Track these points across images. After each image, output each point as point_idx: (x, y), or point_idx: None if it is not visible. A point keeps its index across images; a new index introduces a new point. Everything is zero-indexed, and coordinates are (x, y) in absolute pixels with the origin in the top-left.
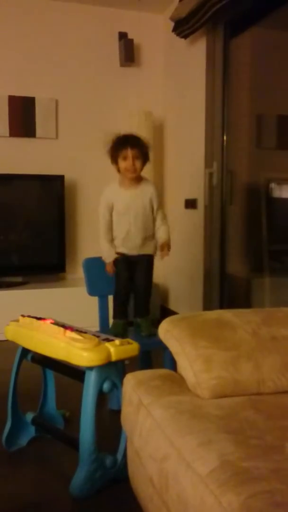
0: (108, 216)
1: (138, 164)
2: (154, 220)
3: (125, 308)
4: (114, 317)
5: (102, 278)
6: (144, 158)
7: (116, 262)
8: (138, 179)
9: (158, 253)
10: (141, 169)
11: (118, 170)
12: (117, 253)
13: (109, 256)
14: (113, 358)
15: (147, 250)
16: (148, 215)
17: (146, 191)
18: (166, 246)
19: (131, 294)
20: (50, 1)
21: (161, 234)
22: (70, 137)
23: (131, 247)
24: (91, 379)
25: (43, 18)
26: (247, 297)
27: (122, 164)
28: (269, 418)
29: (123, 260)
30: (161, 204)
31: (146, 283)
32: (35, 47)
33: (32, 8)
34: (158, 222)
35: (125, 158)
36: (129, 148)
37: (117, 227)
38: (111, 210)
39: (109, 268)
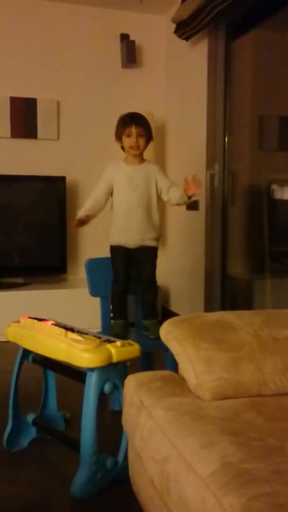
0: (104, 189)
1: (141, 141)
2: (157, 208)
3: (124, 306)
4: (113, 317)
5: (104, 279)
6: (148, 137)
7: (113, 252)
8: (142, 159)
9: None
10: (145, 147)
11: (122, 148)
12: (115, 245)
13: (81, 213)
14: (114, 360)
15: (149, 242)
16: (152, 196)
17: (150, 169)
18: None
19: (134, 293)
20: (52, 3)
21: (177, 194)
22: (72, 138)
23: (131, 234)
24: (92, 380)
25: (44, 20)
26: (248, 299)
27: (126, 141)
28: (271, 419)
29: (121, 253)
30: (167, 179)
31: (151, 277)
32: (37, 49)
33: (34, 10)
34: (171, 187)
35: (129, 135)
36: (133, 125)
37: (117, 206)
38: (109, 186)
39: (75, 222)
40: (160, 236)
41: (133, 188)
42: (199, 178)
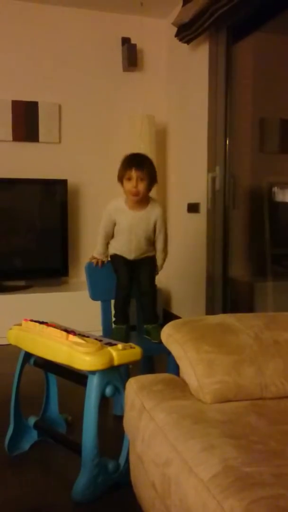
0: (110, 229)
1: (141, 186)
2: (155, 238)
3: (126, 311)
4: (115, 321)
5: (104, 282)
6: (151, 180)
7: (114, 259)
8: (145, 201)
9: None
10: (147, 191)
11: (124, 191)
12: (116, 254)
13: (99, 254)
14: (116, 363)
15: (148, 254)
16: (150, 236)
17: (152, 213)
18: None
19: (134, 297)
20: (53, 6)
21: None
22: (73, 141)
23: (130, 254)
24: (93, 383)
25: (46, 24)
26: (250, 301)
27: (127, 185)
28: (272, 423)
29: (121, 259)
30: (164, 227)
31: (151, 284)
32: (39, 52)
33: (36, 14)
34: (158, 246)
35: (129, 179)
36: (134, 169)
37: (117, 239)
38: (113, 225)
39: (96, 261)
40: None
41: (132, 235)
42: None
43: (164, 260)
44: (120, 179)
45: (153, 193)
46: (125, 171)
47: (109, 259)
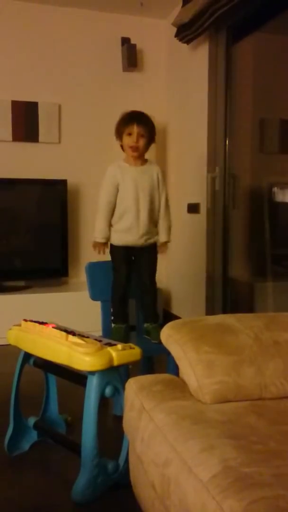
0: (114, 195)
1: (142, 142)
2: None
3: (125, 309)
4: (114, 321)
5: (104, 282)
6: (150, 138)
7: (113, 252)
8: (143, 160)
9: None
10: (145, 149)
11: (122, 147)
12: (118, 245)
13: (102, 236)
14: (115, 363)
15: (151, 240)
16: (155, 197)
17: (152, 169)
18: (165, 246)
19: (134, 296)
20: (53, 7)
21: (161, 232)
22: (73, 141)
23: (136, 234)
24: (93, 384)
25: (46, 24)
26: (250, 302)
27: (126, 140)
28: (272, 423)
29: (122, 253)
30: (165, 187)
31: (152, 282)
32: (38, 52)
33: (35, 14)
34: (161, 212)
35: (129, 134)
36: (135, 124)
37: (123, 207)
38: (117, 188)
39: (99, 247)
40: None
41: (139, 191)
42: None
43: (169, 230)
44: (120, 134)
45: None
46: (126, 126)
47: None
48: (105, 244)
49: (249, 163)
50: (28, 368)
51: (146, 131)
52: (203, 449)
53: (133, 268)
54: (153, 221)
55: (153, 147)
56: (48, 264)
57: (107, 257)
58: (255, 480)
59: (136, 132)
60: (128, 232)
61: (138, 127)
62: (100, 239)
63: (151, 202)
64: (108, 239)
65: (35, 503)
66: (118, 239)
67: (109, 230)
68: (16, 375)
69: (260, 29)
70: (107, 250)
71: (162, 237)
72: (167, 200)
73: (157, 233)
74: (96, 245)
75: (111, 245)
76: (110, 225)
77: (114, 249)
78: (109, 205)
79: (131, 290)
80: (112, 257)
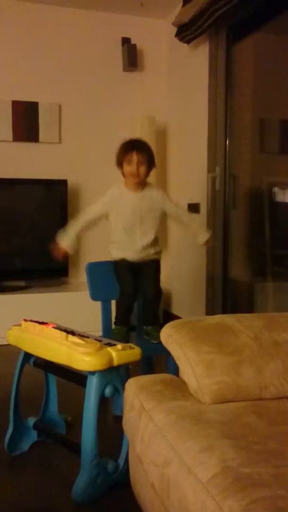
0: (97, 216)
1: (142, 169)
2: (159, 224)
3: (129, 316)
4: (116, 323)
5: (105, 282)
6: (150, 164)
7: (117, 267)
8: (143, 185)
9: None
10: (146, 175)
11: (123, 174)
12: (118, 259)
13: (63, 239)
14: (115, 363)
15: (151, 256)
16: (156, 220)
17: (154, 196)
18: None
19: (137, 301)
20: (53, 7)
21: (201, 237)
22: (73, 141)
23: (131, 252)
24: (92, 384)
25: (46, 24)
26: (250, 302)
27: (127, 168)
28: (271, 423)
29: (125, 265)
30: (170, 201)
31: (156, 291)
32: (39, 52)
33: (36, 14)
34: (185, 218)
35: (129, 163)
36: (134, 152)
37: (119, 228)
38: (105, 210)
39: (56, 249)
40: (161, 251)
41: (136, 217)
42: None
43: (204, 227)
44: (120, 163)
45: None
46: (126, 155)
47: (69, 252)
48: (61, 248)
49: (249, 163)
50: (28, 368)
51: (146, 158)
52: (203, 449)
53: (138, 277)
54: (152, 242)
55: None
56: (48, 264)
57: (107, 256)
58: (254, 480)
59: (136, 160)
60: (125, 249)
61: (137, 155)
62: (62, 241)
63: (150, 224)
64: (69, 246)
65: (35, 503)
66: (116, 254)
67: (73, 238)
68: (16, 375)
69: (260, 29)
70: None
71: (201, 238)
72: (176, 205)
73: (159, 252)
74: (57, 246)
75: (114, 262)
76: (75, 234)
77: (116, 263)
78: (87, 221)
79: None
80: (116, 271)
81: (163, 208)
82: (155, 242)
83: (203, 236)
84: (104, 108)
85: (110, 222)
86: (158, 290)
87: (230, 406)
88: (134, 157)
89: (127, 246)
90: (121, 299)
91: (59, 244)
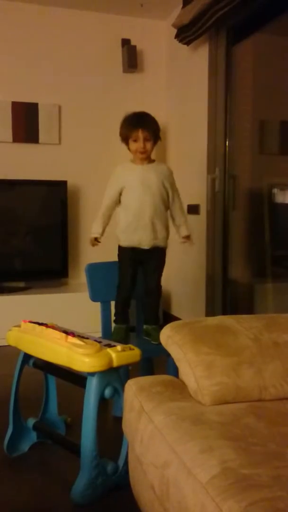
0: (115, 198)
1: (148, 145)
2: (168, 207)
3: (127, 311)
4: (116, 321)
5: (104, 283)
6: (155, 139)
7: (120, 254)
8: (150, 159)
9: (182, 240)
10: (152, 149)
11: (129, 149)
12: (126, 247)
13: (96, 232)
14: (115, 364)
15: (161, 242)
16: (163, 195)
17: (160, 169)
18: (189, 239)
19: (136, 297)
20: (53, 8)
21: (180, 227)
22: (73, 143)
23: (144, 234)
24: (92, 385)
25: (46, 25)
26: (250, 303)
27: (133, 145)
28: (271, 424)
29: (130, 257)
30: (175, 188)
31: (157, 284)
32: (38, 53)
33: (36, 15)
34: (177, 214)
35: (135, 140)
36: (140, 129)
37: (129, 206)
38: (119, 192)
39: (92, 242)
40: (168, 235)
41: (145, 188)
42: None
43: (188, 227)
44: (125, 139)
45: None
46: (131, 132)
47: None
48: (97, 239)
49: (249, 164)
50: (27, 369)
51: (151, 133)
52: (203, 450)
53: (139, 271)
54: (162, 222)
55: (152, 151)
56: (48, 265)
57: (107, 257)
58: (254, 481)
59: (142, 138)
60: (134, 232)
61: (143, 132)
62: (94, 234)
63: (159, 199)
64: (101, 234)
65: (34, 504)
66: (124, 239)
67: (104, 228)
68: (15, 376)
69: (260, 30)
70: (101, 245)
71: (183, 231)
72: (180, 205)
73: (167, 237)
74: (91, 240)
75: (119, 247)
76: (105, 225)
77: (121, 251)
78: (108, 210)
79: (134, 291)
80: (119, 259)
81: (168, 184)
82: (164, 221)
83: (185, 230)
84: (104, 110)
85: (120, 205)
86: (158, 284)
87: (229, 407)
88: (140, 134)
89: (138, 229)
90: (118, 292)
91: (93, 237)
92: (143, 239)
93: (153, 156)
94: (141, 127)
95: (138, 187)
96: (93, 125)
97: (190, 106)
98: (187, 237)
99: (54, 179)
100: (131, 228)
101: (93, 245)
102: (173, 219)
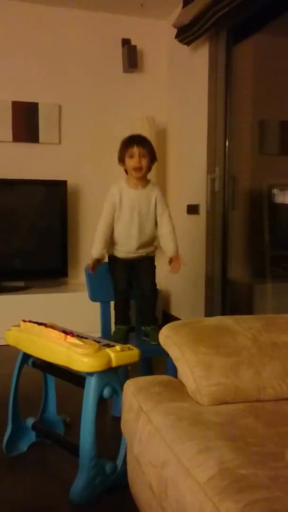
0: (111, 214)
1: (144, 162)
2: (155, 224)
3: (127, 313)
4: (116, 323)
5: (104, 283)
6: (151, 158)
7: (112, 264)
8: (145, 181)
9: (168, 267)
10: (148, 168)
11: (125, 171)
12: (114, 257)
13: (96, 252)
14: (114, 364)
15: (147, 252)
16: (151, 219)
17: (152, 193)
18: (176, 259)
19: (134, 299)
20: (53, 8)
21: (168, 247)
22: (73, 142)
23: (128, 249)
24: (91, 385)
25: (46, 24)
26: (249, 303)
27: (129, 162)
28: (269, 425)
29: (120, 263)
30: (166, 207)
31: (151, 286)
32: (39, 53)
33: (36, 15)
34: (164, 228)
35: (131, 156)
36: (135, 146)
37: (118, 226)
38: (115, 208)
39: (91, 265)
40: (156, 248)
41: (134, 214)
42: (183, 259)
43: (175, 243)
44: (122, 159)
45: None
46: (127, 149)
47: (106, 259)
48: (98, 260)
49: (249, 164)
50: (26, 368)
51: (147, 151)
52: (201, 450)
53: (132, 274)
54: (149, 240)
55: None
56: (47, 265)
57: (107, 258)
58: (252, 482)
59: (138, 153)
60: (123, 245)
61: (139, 147)
62: (95, 255)
63: (148, 223)
64: (103, 256)
65: (33, 504)
66: (113, 250)
67: (105, 249)
68: (14, 376)
69: (261, 31)
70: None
71: (169, 252)
72: (169, 220)
73: (153, 250)
74: (93, 261)
75: (109, 256)
76: (107, 246)
77: (112, 259)
78: (108, 228)
79: (132, 292)
80: (110, 268)
81: (156, 204)
82: (151, 240)
83: (171, 251)
84: (104, 109)
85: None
86: (153, 285)
87: (228, 408)
88: (135, 150)
89: (123, 243)
90: (116, 297)
91: (95, 260)
92: (129, 254)
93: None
94: (136, 144)
95: (128, 212)
96: (93, 124)
97: (190, 106)
98: (173, 260)
99: (54, 178)
100: (119, 245)
101: (93, 268)
102: (159, 230)
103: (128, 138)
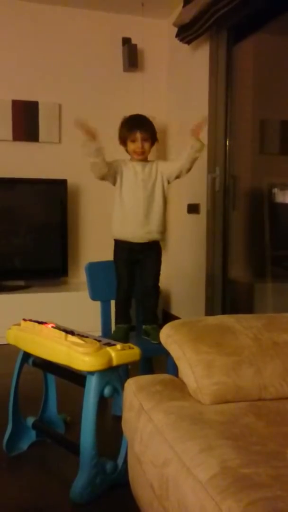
0: (111, 166)
1: (146, 145)
2: (164, 204)
3: (127, 311)
4: (117, 321)
5: (104, 282)
6: (152, 140)
7: (116, 256)
8: (147, 160)
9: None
10: (150, 150)
11: (127, 151)
12: (119, 240)
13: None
14: (114, 363)
15: (155, 235)
16: (158, 190)
17: (153, 165)
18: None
19: (135, 297)
20: (54, 6)
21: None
22: (73, 141)
23: (137, 228)
24: (92, 384)
25: (46, 23)
26: (249, 303)
27: (131, 146)
28: (270, 424)
29: (125, 256)
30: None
31: (155, 285)
32: (39, 52)
33: (36, 14)
34: (175, 162)
35: (134, 141)
36: (138, 131)
37: (123, 200)
38: (115, 167)
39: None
40: (164, 230)
41: (139, 182)
42: (203, 115)
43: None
44: (123, 141)
45: None
46: (129, 133)
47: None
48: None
49: (249, 164)
50: (27, 368)
51: (149, 134)
52: (202, 449)
53: (136, 269)
54: (157, 218)
55: (153, 148)
56: (48, 264)
57: (107, 256)
58: (253, 481)
59: (140, 138)
60: (127, 226)
61: (142, 133)
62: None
63: (154, 194)
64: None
65: (33, 503)
66: (117, 231)
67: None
68: (15, 375)
69: (261, 30)
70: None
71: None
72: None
73: (163, 231)
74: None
75: (115, 242)
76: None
77: (117, 249)
78: (109, 162)
79: (134, 291)
80: (114, 259)
81: (159, 169)
82: (158, 217)
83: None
84: (104, 108)
85: (114, 195)
86: (156, 284)
87: (229, 407)
88: (138, 135)
89: (131, 223)
90: (118, 293)
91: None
92: (136, 233)
93: (153, 155)
94: (139, 128)
95: (133, 182)
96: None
97: (190, 105)
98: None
99: (54, 177)
100: (125, 222)
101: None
102: (184, 160)
103: (131, 120)
